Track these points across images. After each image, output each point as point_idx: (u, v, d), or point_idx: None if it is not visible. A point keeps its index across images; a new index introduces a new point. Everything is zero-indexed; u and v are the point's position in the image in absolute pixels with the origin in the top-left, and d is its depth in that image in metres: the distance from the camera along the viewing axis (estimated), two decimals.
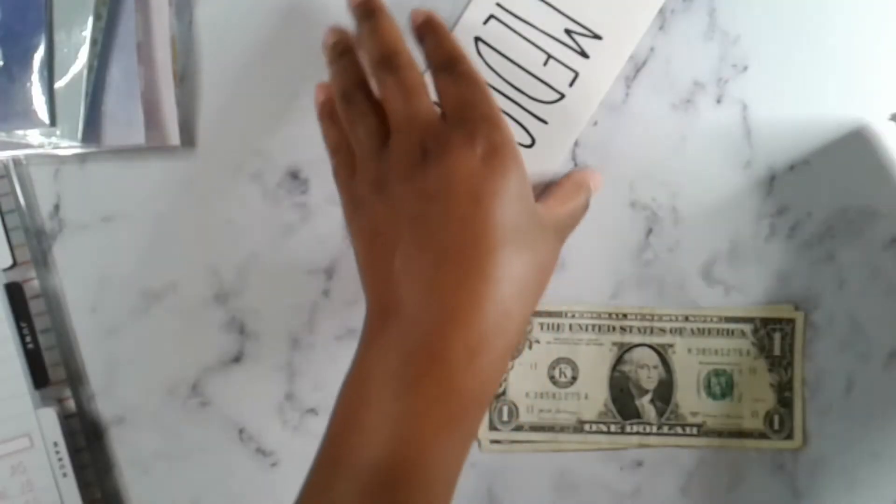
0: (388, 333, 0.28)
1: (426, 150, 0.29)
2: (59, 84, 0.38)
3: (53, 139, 0.38)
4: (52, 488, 0.38)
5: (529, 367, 0.40)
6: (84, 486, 0.39)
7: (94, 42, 0.38)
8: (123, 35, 0.38)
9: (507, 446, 0.41)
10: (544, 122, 0.40)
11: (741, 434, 0.40)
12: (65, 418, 0.39)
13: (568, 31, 0.40)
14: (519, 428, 0.40)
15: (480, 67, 0.40)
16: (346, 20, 0.37)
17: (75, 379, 0.40)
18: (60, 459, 0.39)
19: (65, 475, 0.39)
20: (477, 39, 0.40)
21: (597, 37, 0.40)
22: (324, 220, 0.41)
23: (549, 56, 0.40)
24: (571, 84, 0.40)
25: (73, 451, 0.39)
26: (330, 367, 0.41)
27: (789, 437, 0.40)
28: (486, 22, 0.40)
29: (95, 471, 0.40)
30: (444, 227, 0.28)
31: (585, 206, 0.38)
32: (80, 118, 0.38)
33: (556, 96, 0.40)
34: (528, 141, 0.40)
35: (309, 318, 0.41)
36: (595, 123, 0.41)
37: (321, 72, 0.40)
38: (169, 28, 0.39)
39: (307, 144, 0.40)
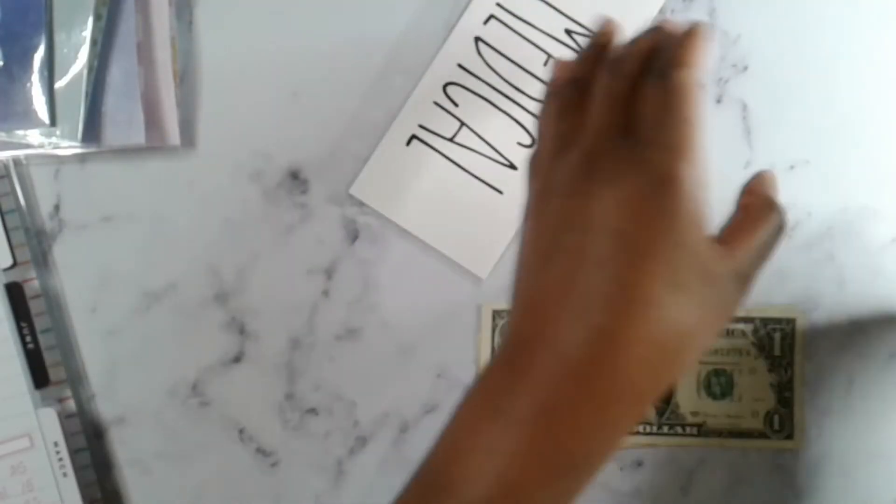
0: (521, 365, 0.25)
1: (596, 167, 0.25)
2: (59, 84, 0.38)
3: (53, 139, 0.38)
4: (52, 488, 0.38)
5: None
6: (84, 486, 0.39)
7: (94, 42, 0.38)
8: (123, 35, 0.38)
9: None
10: None
11: (741, 434, 0.40)
12: (65, 418, 0.39)
13: (568, 31, 0.40)
14: None
15: (481, 67, 0.40)
16: (337, 21, 0.37)
17: (75, 379, 0.40)
18: (60, 459, 0.39)
19: (65, 475, 0.39)
20: (477, 39, 0.40)
21: None
22: (324, 220, 0.41)
23: (549, 56, 0.40)
24: None
25: (73, 451, 0.39)
26: (330, 367, 0.41)
27: (789, 437, 0.40)
28: (486, 22, 0.40)
29: (95, 471, 0.40)
30: (630, 250, 0.24)
31: (780, 229, 0.28)
32: (80, 118, 0.38)
33: None
34: (527, 141, 0.40)
35: (309, 318, 0.41)
36: None
37: (322, 72, 0.40)
38: (169, 28, 0.39)
39: (307, 144, 0.40)
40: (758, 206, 0.29)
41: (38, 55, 0.37)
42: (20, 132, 0.38)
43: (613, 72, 0.27)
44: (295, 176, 0.41)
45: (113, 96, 0.38)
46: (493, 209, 0.40)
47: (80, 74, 0.37)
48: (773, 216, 0.28)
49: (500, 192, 0.40)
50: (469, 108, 0.40)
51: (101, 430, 0.41)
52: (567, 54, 0.39)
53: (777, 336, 0.40)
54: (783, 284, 0.41)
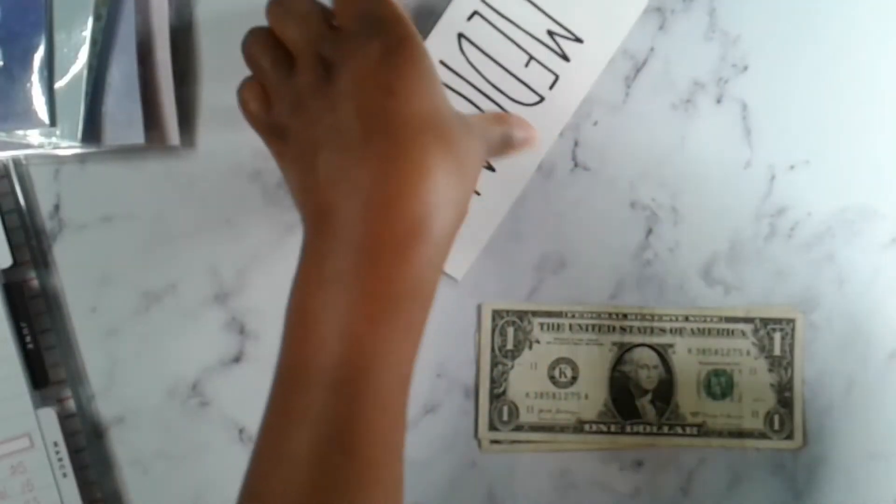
0: (322, 237, 0.29)
1: (329, 62, 0.29)
2: (59, 84, 0.38)
3: (53, 139, 0.38)
4: (52, 488, 0.38)
5: (529, 367, 0.40)
6: (84, 486, 0.39)
7: (94, 42, 0.38)
8: (123, 35, 0.38)
9: (507, 446, 0.41)
10: None
11: (741, 434, 0.40)
12: (65, 418, 0.39)
13: (550, 33, 0.39)
14: (519, 428, 0.40)
15: (463, 65, 0.40)
16: None
17: (75, 379, 0.40)
18: (60, 459, 0.39)
19: (65, 475, 0.39)
20: (460, 36, 0.39)
21: (578, 39, 0.39)
22: None
23: (531, 57, 0.39)
24: (552, 87, 0.40)
25: (73, 451, 0.39)
26: None
27: (789, 437, 0.40)
28: (469, 18, 0.39)
29: (95, 471, 0.40)
30: (359, 124, 0.28)
31: (505, 142, 0.35)
32: (80, 118, 0.38)
33: (536, 99, 0.40)
34: None
35: None
36: (595, 123, 0.41)
37: None
38: (169, 28, 0.39)
39: None
40: (496, 116, 0.36)
41: (38, 55, 0.37)
42: (20, 132, 0.38)
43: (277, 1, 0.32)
44: None
45: (113, 96, 0.38)
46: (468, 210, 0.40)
47: (80, 74, 0.37)
48: (502, 126, 0.35)
49: (478, 194, 0.40)
50: None
51: (101, 430, 0.41)
52: (548, 58, 0.39)
53: (777, 336, 0.40)
54: (783, 284, 0.41)
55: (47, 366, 0.39)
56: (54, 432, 0.39)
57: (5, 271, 0.39)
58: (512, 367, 0.40)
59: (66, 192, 0.40)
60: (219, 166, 0.41)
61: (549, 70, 0.39)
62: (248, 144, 0.41)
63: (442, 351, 0.41)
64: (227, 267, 0.41)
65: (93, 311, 0.40)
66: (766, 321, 0.41)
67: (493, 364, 0.40)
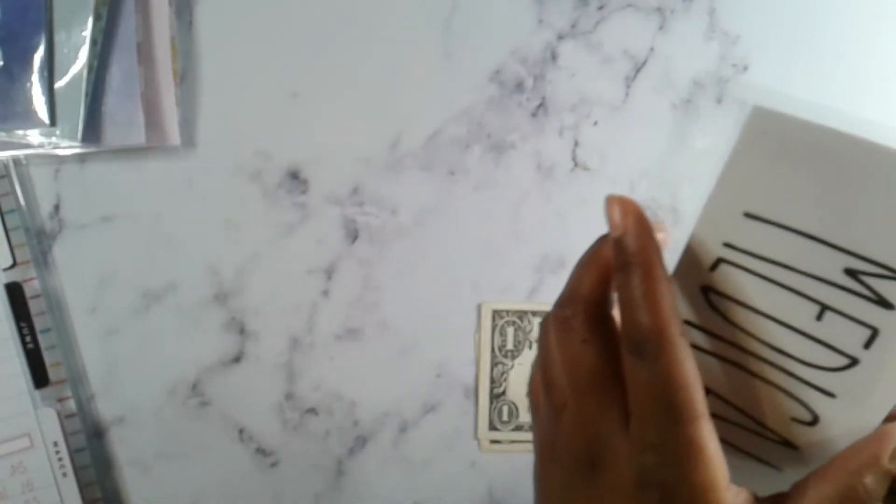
0: None
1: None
2: (59, 84, 0.38)
3: (53, 139, 0.38)
4: (52, 488, 0.38)
5: (529, 367, 0.40)
6: (84, 486, 0.39)
7: (94, 42, 0.38)
8: (123, 35, 0.38)
9: (507, 446, 0.41)
10: (831, 395, 0.27)
11: None
12: (65, 418, 0.39)
13: (851, 272, 0.26)
14: (519, 428, 0.40)
15: (716, 324, 0.28)
16: (337, 21, 0.37)
17: (75, 379, 0.40)
18: (60, 459, 0.39)
19: (65, 475, 0.39)
20: (705, 289, 0.28)
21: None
22: (324, 220, 0.41)
23: (825, 307, 0.26)
24: (868, 345, 0.26)
25: (73, 451, 0.39)
26: (330, 367, 0.41)
27: None
28: (713, 268, 0.28)
29: (95, 471, 0.40)
30: None
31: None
32: (80, 118, 0.38)
33: (846, 361, 0.27)
34: (808, 418, 0.28)
35: (309, 318, 0.41)
36: (595, 123, 0.41)
37: (321, 72, 0.40)
38: (169, 28, 0.39)
39: (307, 144, 0.40)
40: (848, 473, 0.24)
41: (38, 55, 0.37)
42: (20, 132, 0.38)
43: (647, 356, 0.23)
44: (295, 176, 0.41)
45: (113, 96, 0.38)
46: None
47: (80, 74, 0.37)
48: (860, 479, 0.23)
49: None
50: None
51: (101, 429, 0.41)
52: (854, 305, 0.25)
53: None
54: None
55: (47, 366, 0.39)
56: (54, 432, 0.39)
57: (5, 271, 0.39)
58: (512, 366, 0.40)
59: (66, 192, 0.40)
60: (219, 166, 0.41)
61: (861, 322, 0.26)
62: (248, 144, 0.41)
63: (442, 351, 0.41)
64: (227, 267, 0.41)
65: (93, 311, 0.40)
66: None
67: (493, 364, 0.40)
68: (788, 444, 0.27)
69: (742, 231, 0.26)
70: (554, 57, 0.41)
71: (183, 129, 0.40)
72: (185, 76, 0.40)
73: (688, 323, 0.28)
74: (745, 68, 0.41)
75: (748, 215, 0.26)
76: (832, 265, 0.25)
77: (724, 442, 0.25)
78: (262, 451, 0.41)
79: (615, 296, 0.25)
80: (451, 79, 0.41)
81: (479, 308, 0.41)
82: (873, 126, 0.23)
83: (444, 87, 0.41)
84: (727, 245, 0.27)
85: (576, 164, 0.41)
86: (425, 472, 0.41)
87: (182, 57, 0.40)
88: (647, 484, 0.22)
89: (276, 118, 0.41)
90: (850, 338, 0.26)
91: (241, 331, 0.41)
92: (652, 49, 0.40)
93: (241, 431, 0.41)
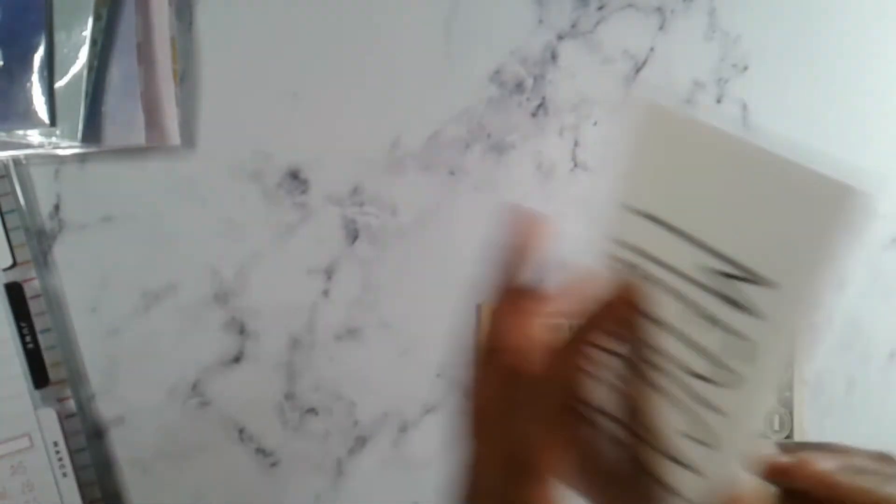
0: None
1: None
2: (59, 84, 0.38)
3: (53, 139, 0.38)
4: (52, 488, 0.38)
5: None
6: (84, 486, 0.39)
7: (94, 42, 0.38)
8: (123, 35, 0.38)
9: None
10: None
11: None
12: (65, 418, 0.39)
13: (719, 273, 0.22)
14: None
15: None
16: (337, 21, 0.37)
17: (75, 379, 0.40)
18: (60, 459, 0.39)
19: (65, 475, 0.39)
20: None
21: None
22: (324, 220, 0.41)
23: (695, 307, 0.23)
24: (743, 356, 0.23)
25: (73, 451, 0.39)
26: (330, 367, 0.41)
27: (789, 437, 0.40)
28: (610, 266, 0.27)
29: (95, 471, 0.40)
30: None
31: None
32: (80, 118, 0.38)
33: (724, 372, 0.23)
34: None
35: (309, 318, 0.41)
36: (595, 123, 0.41)
37: (321, 72, 0.40)
38: (169, 28, 0.39)
39: (307, 144, 0.40)
40: None
41: (38, 55, 0.37)
42: (20, 132, 0.38)
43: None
44: (295, 176, 0.41)
45: (113, 96, 0.38)
46: None
47: (80, 74, 0.37)
48: None
49: None
50: None
51: (101, 430, 0.41)
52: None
53: None
54: None
55: (47, 366, 0.39)
56: (54, 432, 0.39)
57: (5, 271, 0.39)
58: None
59: (66, 192, 0.40)
60: (219, 166, 0.41)
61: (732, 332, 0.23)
62: (248, 144, 0.41)
63: (441, 351, 0.41)
64: (227, 267, 0.41)
65: (93, 311, 0.40)
66: None
67: None
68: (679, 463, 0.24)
69: (626, 226, 0.26)
70: (554, 57, 0.41)
71: (183, 129, 0.40)
72: (185, 76, 0.40)
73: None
74: (745, 68, 0.41)
75: (631, 210, 0.25)
76: (702, 265, 0.23)
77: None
78: (262, 451, 0.41)
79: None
80: (451, 79, 0.41)
81: (478, 308, 0.41)
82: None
83: (444, 88, 0.41)
84: (616, 241, 0.26)
85: (576, 164, 0.41)
86: (425, 473, 0.41)
87: (182, 57, 0.40)
88: None
89: (276, 118, 0.41)
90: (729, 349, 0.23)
91: (241, 331, 0.41)
92: (652, 49, 0.40)
93: (241, 431, 0.41)
